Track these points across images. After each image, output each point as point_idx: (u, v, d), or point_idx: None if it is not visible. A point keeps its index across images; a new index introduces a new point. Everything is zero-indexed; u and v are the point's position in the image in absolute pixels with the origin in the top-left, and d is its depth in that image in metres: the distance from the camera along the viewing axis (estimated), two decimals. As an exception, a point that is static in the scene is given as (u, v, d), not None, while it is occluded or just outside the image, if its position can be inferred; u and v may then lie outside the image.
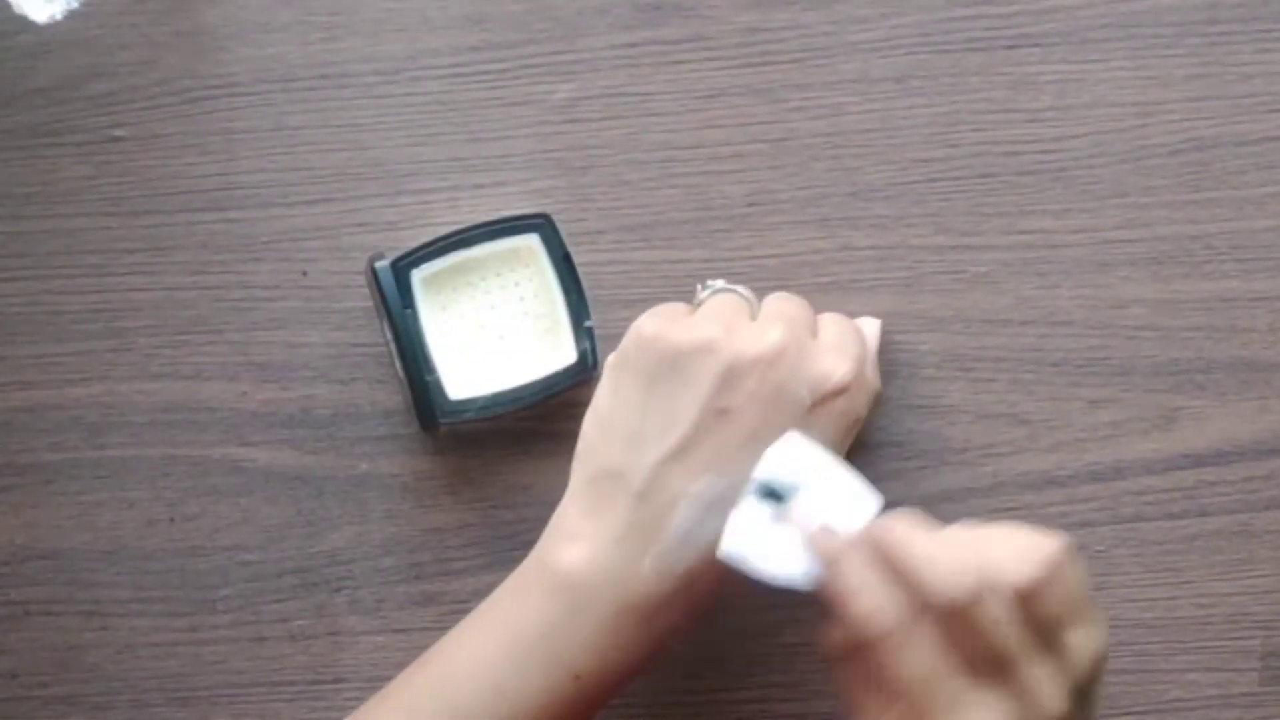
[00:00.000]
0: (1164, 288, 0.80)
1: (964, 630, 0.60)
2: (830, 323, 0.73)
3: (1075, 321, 0.80)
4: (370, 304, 0.79)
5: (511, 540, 0.79)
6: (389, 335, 0.76)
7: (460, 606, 0.79)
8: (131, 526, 0.80)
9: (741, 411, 0.67)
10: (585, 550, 0.67)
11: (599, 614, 0.67)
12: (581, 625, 0.67)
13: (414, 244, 0.76)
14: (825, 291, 0.80)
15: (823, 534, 0.64)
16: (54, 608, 0.79)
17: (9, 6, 0.80)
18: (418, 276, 0.76)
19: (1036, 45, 0.81)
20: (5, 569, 0.79)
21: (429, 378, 0.75)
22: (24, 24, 0.80)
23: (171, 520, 0.80)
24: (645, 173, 0.80)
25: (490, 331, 0.77)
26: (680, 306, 0.72)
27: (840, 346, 0.71)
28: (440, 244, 0.76)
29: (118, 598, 0.79)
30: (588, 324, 0.77)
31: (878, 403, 0.75)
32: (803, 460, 0.66)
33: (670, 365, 0.68)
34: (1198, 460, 0.80)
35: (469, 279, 0.77)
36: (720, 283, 0.74)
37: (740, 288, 0.73)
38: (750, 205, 0.80)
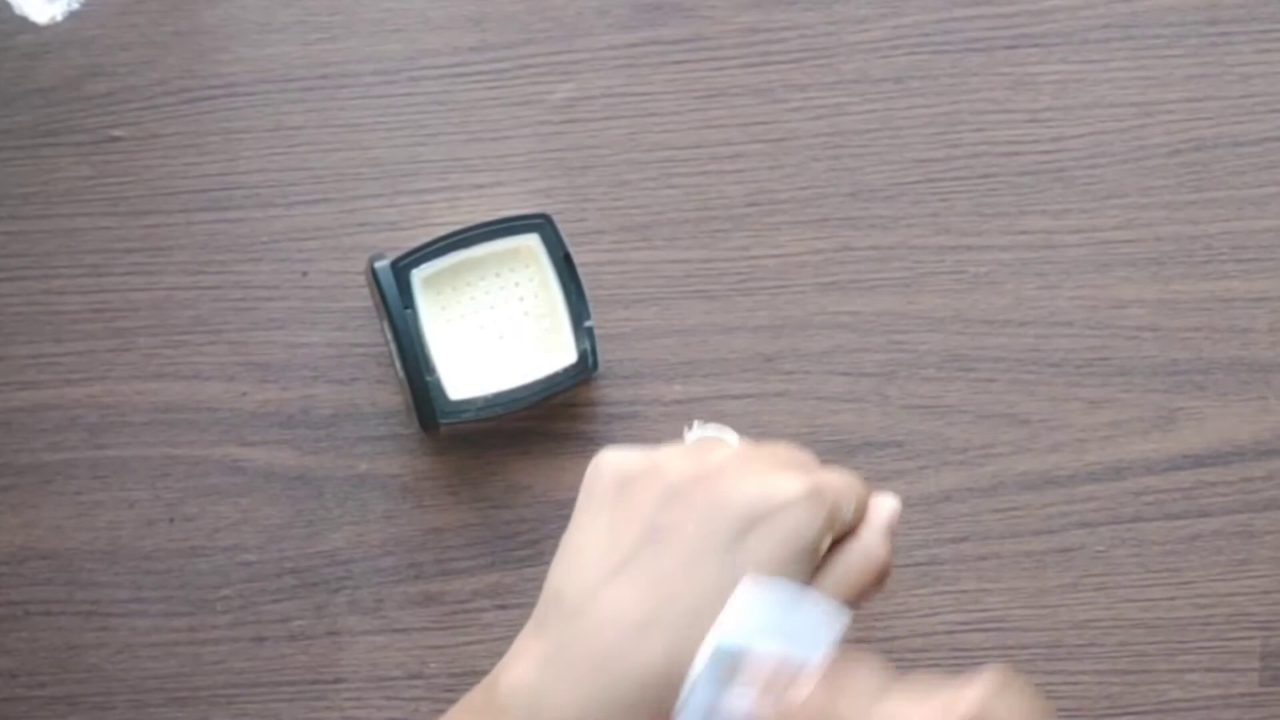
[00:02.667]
0: (1164, 288, 0.80)
1: None
2: (802, 456, 0.68)
3: (1075, 322, 0.80)
4: (370, 304, 0.79)
5: (511, 540, 0.79)
6: (389, 335, 0.76)
7: (460, 606, 0.79)
8: (131, 527, 0.80)
9: (678, 528, 0.63)
10: (517, 669, 0.64)
11: None
12: None
13: (414, 244, 0.76)
14: (825, 292, 0.80)
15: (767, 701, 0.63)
16: (53, 608, 0.79)
17: (9, 7, 0.80)
18: (418, 276, 0.76)
19: (1036, 45, 0.81)
20: (5, 569, 0.79)
21: (429, 378, 0.75)
22: (24, 24, 0.80)
23: (171, 520, 0.80)
24: (645, 173, 0.80)
25: (490, 331, 0.78)
26: (655, 448, 0.70)
27: (803, 469, 0.66)
28: (440, 244, 0.76)
29: (117, 598, 0.79)
30: (588, 324, 0.77)
31: (887, 576, 0.67)
32: (756, 614, 0.62)
33: (618, 489, 0.65)
34: (1197, 460, 0.80)
35: (469, 279, 0.77)
36: (710, 427, 0.74)
37: (725, 430, 0.72)
38: (750, 205, 0.80)
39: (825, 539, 0.64)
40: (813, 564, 0.64)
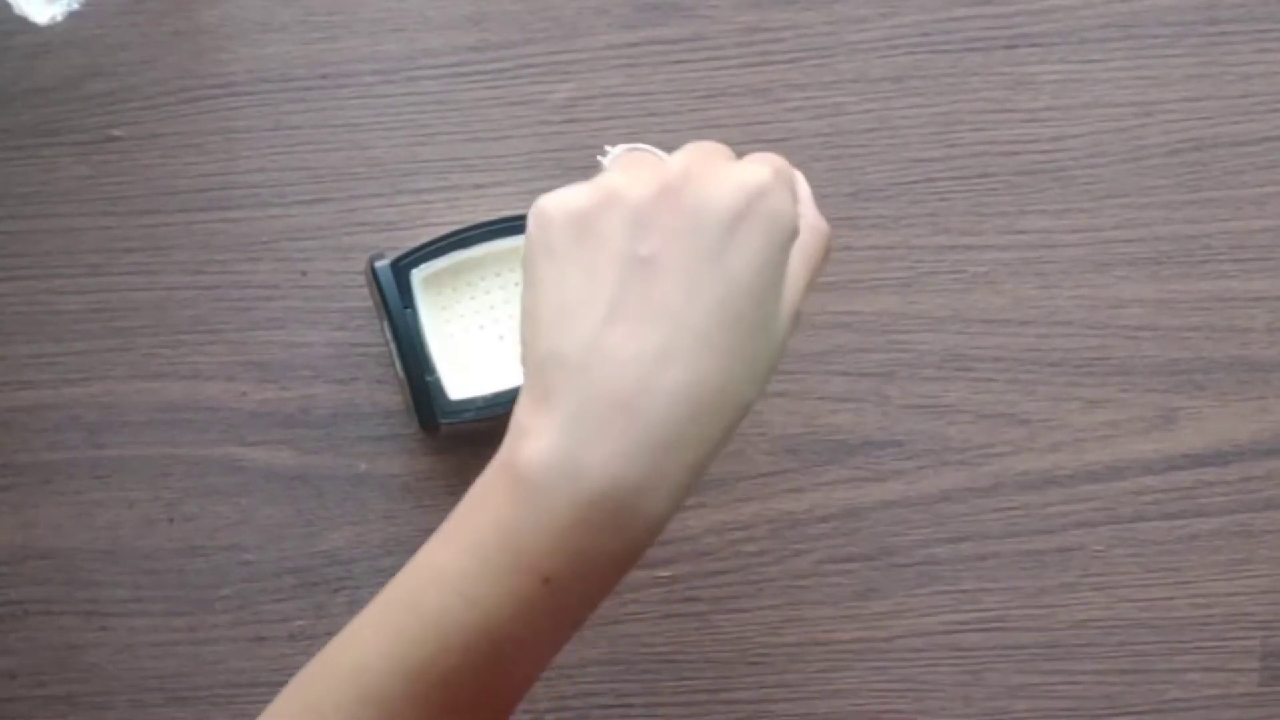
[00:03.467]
0: (1163, 288, 0.80)
1: None
2: (751, 156, 0.66)
3: (1074, 321, 0.80)
4: (370, 304, 0.79)
5: (511, 540, 0.79)
6: (389, 335, 0.76)
7: (460, 606, 0.79)
8: (131, 526, 0.80)
9: (663, 253, 0.60)
10: (537, 444, 0.60)
11: (558, 511, 0.59)
12: (541, 524, 0.60)
13: (413, 244, 0.76)
14: (825, 292, 0.80)
15: None
16: (53, 607, 0.79)
17: (9, 7, 0.80)
18: (417, 276, 0.76)
19: (1035, 45, 0.81)
20: (5, 569, 0.79)
21: (429, 378, 0.75)
22: (24, 24, 0.80)
23: (171, 520, 0.80)
24: (645, 173, 0.80)
25: (490, 331, 0.77)
26: (580, 184, 0.65)
27: (756, 159, 0.64)
28: (440, 244, 0.76)
29: (117, 597, 0.79)
30: (588, 323, 0.77)
31: (831, 247, 0.67)
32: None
33: (575, 230, 0.61)
34: (1196, 460, 0.80)
35: (469, 279, 0.77)
36: (621, 146, 0.68)
37: (644, 145, 0.67)
38: (750, 205, 0.80)
39: (797, 214, 0.63)
40: (792, 244, 0.62)
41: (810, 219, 0.65)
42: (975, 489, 0.80)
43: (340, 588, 0.79)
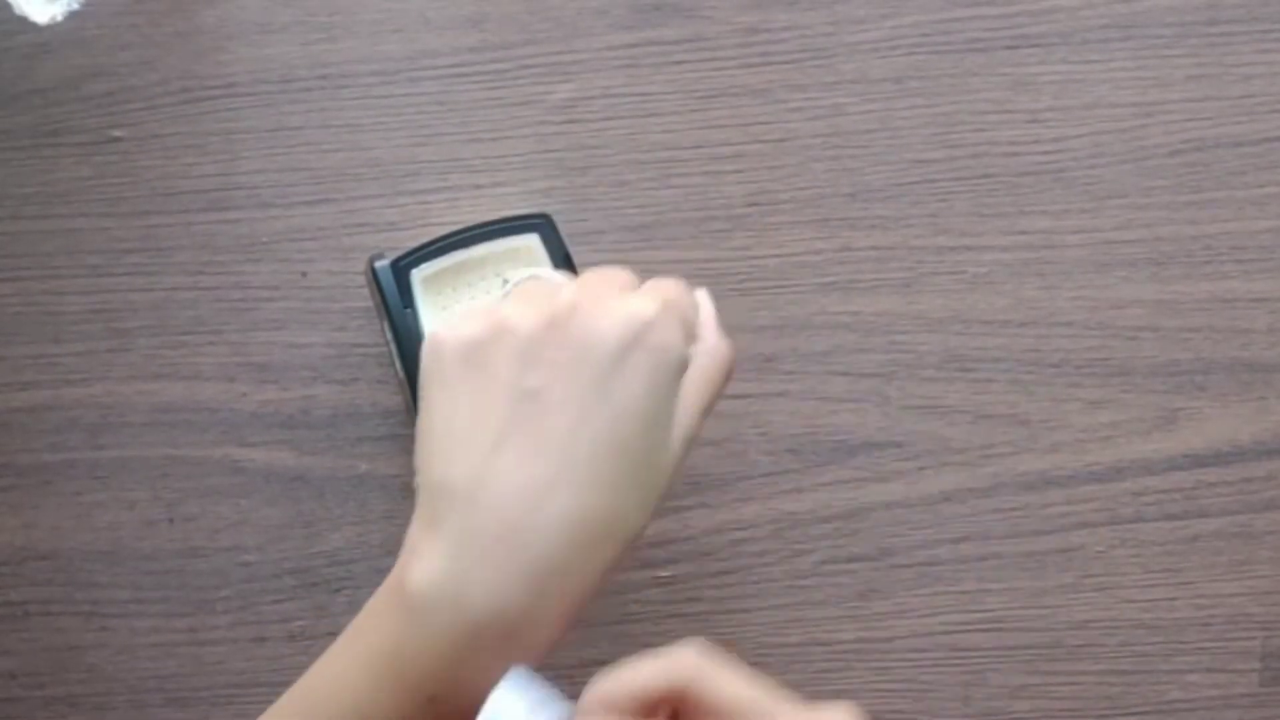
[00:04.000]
0: (1163, 288, 0.80)
1: None
2: (650, 281, 0.67)
3: (1075, 322, 0.80)
4: (370, 304, 0.79)
5: (511, 541, 0.79)
6: (389, 335, 0.76)
7: (460, 607, 0.79)
8: (131, 527, 0.80)
9: (549, 386, 0.61)
10: (423, 567, 0.61)
11: (441, 634, 0.61)
12: (426, 646, 0.61)
13: (414, 244, 0.76)
14: (825, 292, 0.80)
15: None
16: (53, 608, 0.79)
17: (9, 7, 0.80)
18: (418, 276, 0.76)
19: (1036, 46, 0.81)
20: (5, 569, 0.79)
21: (428, 378, 0.75)
22: (24, 24, 0.80)
23: (171, 521, 0.80)
24: (645, 173, 0.80)
25: (489, 331, 0.77)
26: (482, 308, 0.67)
27: (648, 290, 0.65)
28: (440, 244, 0.76)
29: (117, 598, 0.79)
30: (587, 324, 0.77)
31: (733, 368, 0.67)
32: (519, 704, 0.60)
33: (468, 361, 0.63)
34: (1197, 461, 0.80)
35: (469, 279, 0.77)
36: (523, 272, 0.70)
37: (541, 271, 0.69)
38: (750, 205, 0.80)
39: (686, 346, 0.63)
40: (681, 375, 0.63)
41: (710, 342, 0.66)
42: (976, 489, 0.80)
43: (341, 588, 0.79)
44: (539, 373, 0.61)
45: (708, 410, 0.65)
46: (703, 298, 0.67)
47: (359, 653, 0.64)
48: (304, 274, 0.80)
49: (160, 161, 0.80)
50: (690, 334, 0.64)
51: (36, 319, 0.80)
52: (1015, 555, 0.80)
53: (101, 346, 0.80)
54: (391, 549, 0.79)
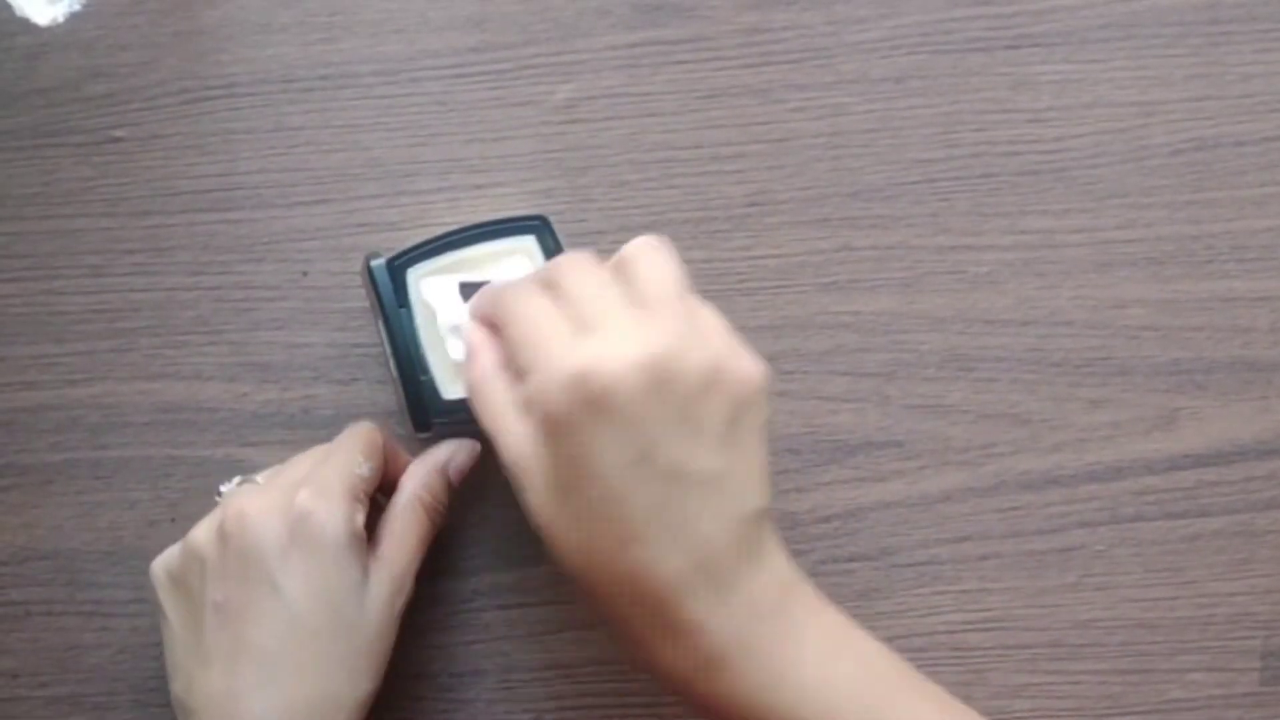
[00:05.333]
0: (1165, 288, 0.80)
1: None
2: (304, 466, 0.72)
3: (1076, 321, 0.80)
4: (369, 304, 0.79)
5: (511, 540, 0.79)
6: (383, 335, 0.76)
7: (461, 606, 0.79)
8: (132, 527, 0.80)
9: (231, 596, 0.67)
10: None
11: None
12: None
13: (412, 243, 0.76)
14: (825, 292, 0.80)
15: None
16: (55, 608, 0.80)
17: (10, 8, 0.80)
18: (413, 276, 0.76)
19: (1037, 45, 0.81)
20: (6, 569, 0.80)
21: (423, 378, 0.75)
22: (24, 25, 0.80)
23: (172, 520, 0.80)
24: (645, 173, 0.80)
25: (486, 332, 0.77)
26: (176, 545, 0.73)
27: (308, 479, 0.70)
28: (436, 244, 0.76)
29: (118, 598, 0.79)
30: (584, 325, 0.77)
31: (438, 516, 0.74)
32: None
33: (173, 589, 0.70)
34: (1198, 460, 0.80)
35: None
36: (236, 478, 0.75)
37: (258, 476, 0.74)
38: (750, 205, 0.80)
39: (355, 520, 0.68)
40: (352, 548, 0.68)
41: (404, 494, 0.72)
42: (976, 489, 0.80)
43: (341, 588, 0.79)
44: (221, 587, 0.67)
45: (421, 552, 0.71)
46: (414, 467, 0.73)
47: None
48: (305, 274, 0.80)
49: (161, 161, 0.80)
50: (354, 496, 0.69)
51: (38, 319, 0.80)
52: (1016, 555, 0.80)
53: (103, 346, 0.80)
54: (392, 549, 0.79)
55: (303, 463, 0.71)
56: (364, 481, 0.70)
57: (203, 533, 0.69)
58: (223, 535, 0.67)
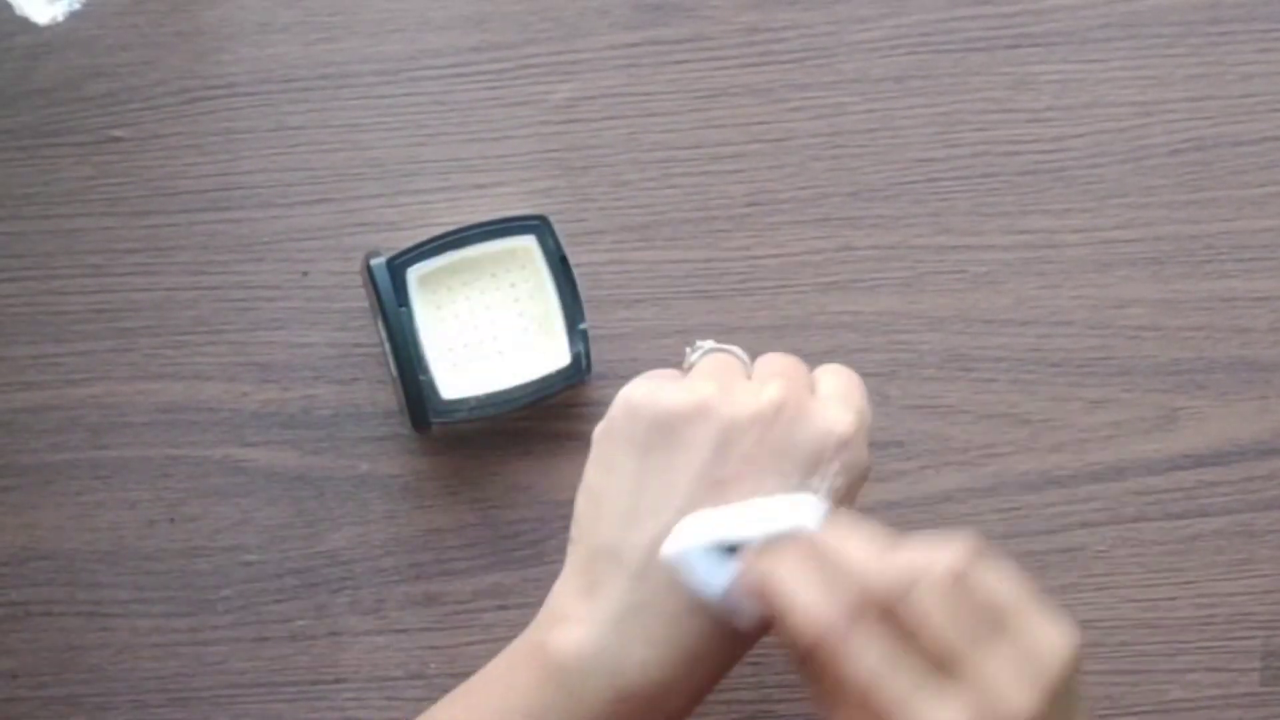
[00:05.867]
0: (1165, 288, 0.80)
1: (906, 623, 0.56)
2: (829, 374, 0.67)
3: (1076, 321, 0.80)
4: (369, 304, 0.79)
5: (512, 540, 0.79)
6: (383, 334, 0.76)
7: (461, 607, 0.79)
8: (132, 527, 0.80)
9: (739, 480, 0.62)
10: (580, 634, 0.62)
11: (593, 701, 0.62)
12: (574, 711, 0.62)
13: (411, 243, 0.76)
14: (825, 292, 0.80)
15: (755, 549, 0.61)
16: (54, 608, 0.79)
17: (10, 8, 0.80)
18: (413, 275, 0.76)
19: (1037, 45, 0.81)
20: (6, 569, 0.79)
21: (422, 377, 0.75)
22: (23, 25, 0.80)
23: (172, 521, 0.80)
24: (645, 173, 0.80)
25: (485, 332, 0.77)
26: (670, 371, 0.67)
27: (842, 397, 0.65)
28: (436, 243, 0.76)
29: (118, 598, 0.79)
30: (582, 326, 0.77)
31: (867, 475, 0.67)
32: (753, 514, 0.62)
33: (663, 432, 0.63)
34: (1199, 460, 0.80)
35: (464, 279, 0.77)
36: (710, 343, 0.69)
37: (732, 347, 0.69)
38: (750, 205, 0.80)
39: (871, 462, 0.65)
40: (860, 488, 0.64)
41: (823, 413, 0.65)
42: (977, 489, 0.80)
43: (342, 588, 0.79)
44: (732, 464, 0.62)
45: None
46: (850, 377, 0.68)
47: (489, 711, 0.64)
48: (305, 274, 0.80)
49: (161, 161, 0.80)
50: None
51: (38, 319, 0.80)
52: (1016, 555, 0.79)
53: (103, 346, 0.80)
54: (393, 549, 0.79)
55: (803, 371, 0.66)
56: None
57: (724, 397, 0.63)
58: (759, 417, 0.62)
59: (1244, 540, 0.79)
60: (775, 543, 0.60)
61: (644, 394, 0.63)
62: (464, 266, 0.77)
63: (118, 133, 0.80)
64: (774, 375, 0.65)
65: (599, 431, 0.66)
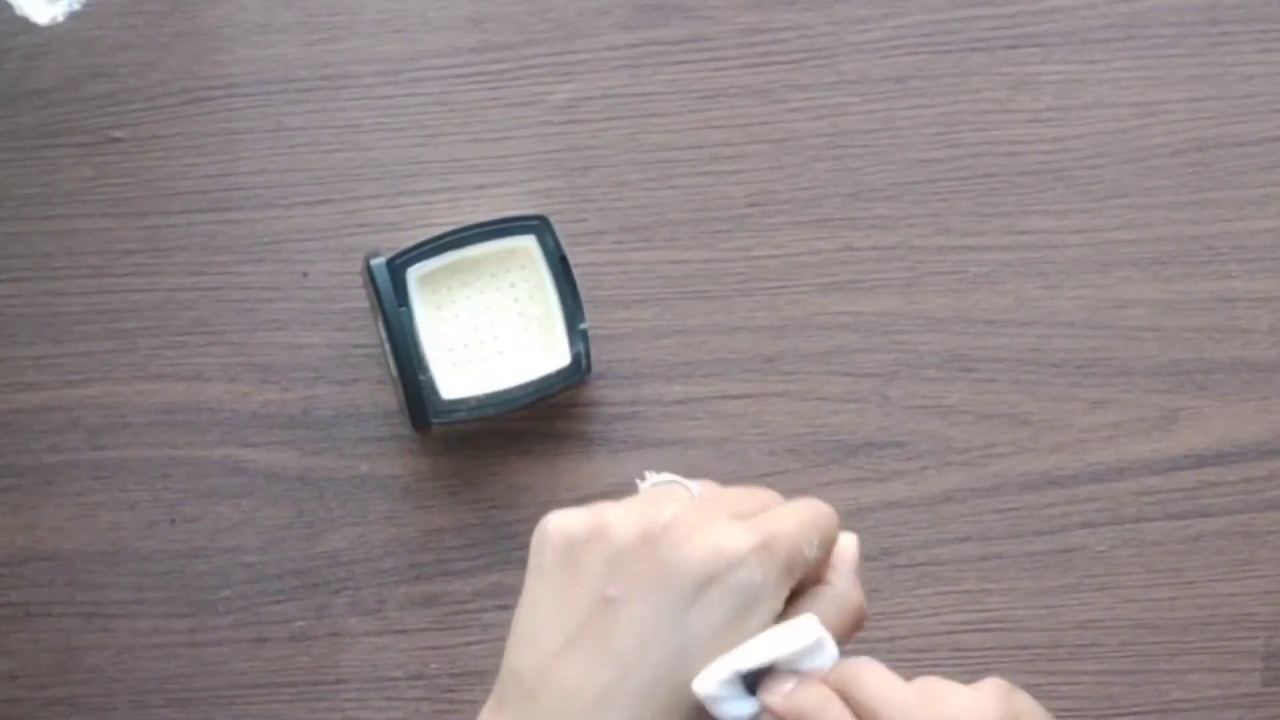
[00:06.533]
0: (1165, 288, 0.80)
1: None
2: (783, 505, 0.65)
3: (1076, 322, 0.80)
4: (369, 304, 0.79)
5: (511, 541, 0.79)
6: (383, 334, 0.76)
7: (460, 607, 0.79)
8: (132, 528, 0.80)
9: (627, 599, 0.61)
10: None
11: None
12: None
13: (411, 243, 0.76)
14: (825, 292, 0.80)
15: (783, 679, 0.60)
16: (54, 609, 0.79)
17: (10, 8, 0.80)
18: (413, 275, 0.76)
19: (1037, 46, 0.81)
20: (5, 570, 0.79)
21: (422, 377, 0.75)
22: (24, 25, 0.80)
23: (172, 522, 0.80)
24: (645, 173, 0.80)
25: (485, 332, 0.77)
26: (603, 505, 0.66)
27: (753, 518, 0.63)
28: (436, 243, 0.76)
29: (118, 599, 0.79)
30: (582, 326, 0.77)
31: (862, 622, 0.64)
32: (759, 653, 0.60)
33: (564, 557, 0.63)
34: (1199, 461, 0.80)
35: (464, 279, 0.77)
36: (664, 476, 0.68)
37: (686, 482, 0.67)
38: (750, 205, 0.80)
39: (782, 589, 0.62)
40: (772, 615, 0.62)
41: (839, 589, 0.64)
42: (977, 489, 0.80)
43: (341, 589, 0.79)
44: (621, 583, 0.61)
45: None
46: (847, 541, 0.65)
47: None
48: (305, 274, 0.80)
49: (160, 162, 0.80)
50: (796, 573, 0.62)
51: (37, 320, 0.80)
52: (1017, 555, 0.80)
53: (102, 347, 0.80)
54: (393, 550, 0.80)
55: (743, 498, 0.65)
56: (805, 565, 0.63)
57: (624, 520, 0.62)
58: (646, 535, 0.62)
59: (1245, 541, 0.79)
60: (800, 677, 0.60)
61: (555, 521, 0.64)
62: (464, 266, 0.77)
63: (118, 133, 0.80)
64: (681, 497, 0.64)
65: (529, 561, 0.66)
